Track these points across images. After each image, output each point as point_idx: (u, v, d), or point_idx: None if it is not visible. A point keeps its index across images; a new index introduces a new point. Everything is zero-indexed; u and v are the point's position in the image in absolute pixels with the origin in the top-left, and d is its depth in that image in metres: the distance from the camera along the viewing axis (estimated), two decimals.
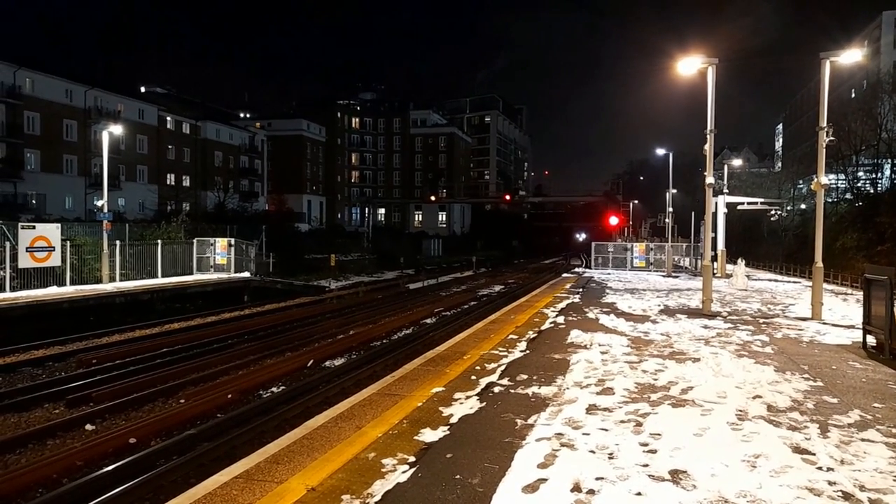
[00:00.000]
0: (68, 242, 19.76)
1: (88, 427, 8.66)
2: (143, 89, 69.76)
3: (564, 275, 30.09)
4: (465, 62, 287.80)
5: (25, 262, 18.03)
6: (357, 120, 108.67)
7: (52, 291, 17.85)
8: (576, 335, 10.80)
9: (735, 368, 8.19)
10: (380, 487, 4.39)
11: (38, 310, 15.86)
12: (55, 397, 9.94)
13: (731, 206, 30.97)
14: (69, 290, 18.44)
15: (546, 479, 4.48)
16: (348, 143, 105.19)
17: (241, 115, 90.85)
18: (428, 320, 18.77)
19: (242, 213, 55.20)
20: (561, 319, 12.97)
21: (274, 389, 10.76)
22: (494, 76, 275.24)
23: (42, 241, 18.53)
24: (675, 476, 4.55)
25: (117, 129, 23.85)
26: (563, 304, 15.84)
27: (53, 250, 18.85)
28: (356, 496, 4.24)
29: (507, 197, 74.47)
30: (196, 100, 79.47)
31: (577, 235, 71.24)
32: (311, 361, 12.61)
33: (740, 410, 6.23)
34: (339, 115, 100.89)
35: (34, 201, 47.12)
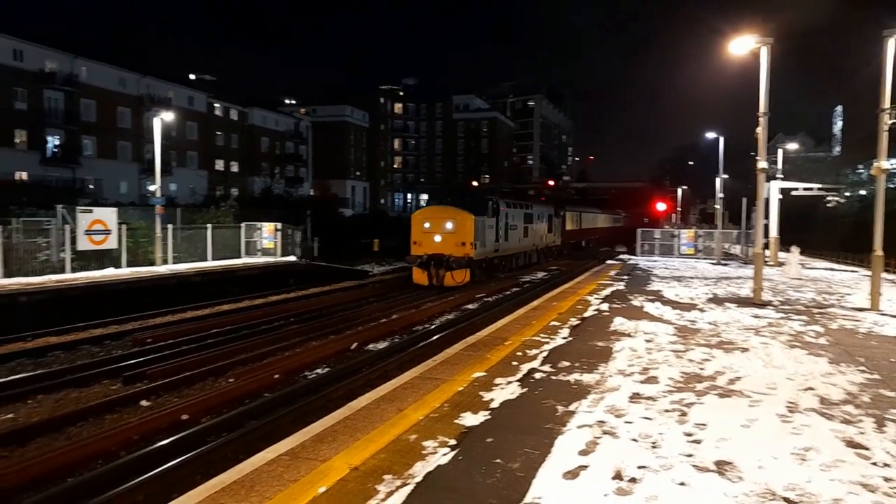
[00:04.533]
0: (124, 226, 20.52)
1: (143, 403, 9.04)
2: (192, 77, 71.37)
3: (608, 262, 29.65)
4: (508, 47, 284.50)
5: (84, 244, 18.83)
6: (400, 105, 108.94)
7: (109, 273, 18.59)
8: (619, 323, 10.65)
9: (786, 359, 7.95)
10: (421, 469, 4.45)
11: (95, 290, 16.57)
12: (112, 374, 10.39)
13: (785, 192, 29.89)
14: (125, 271, 19.18)
15: (587, 466, 4.46)
16: (391, 128, 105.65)
17: (286, 101, 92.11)
18: (469, 306, 18.79)
19: (288, 199, 56.28)
20: (604, 307, 12.81)
21: (318, 371, 10.99)
22: (538, 60, 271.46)
23: (99, 224, 19.31)
24: (721, 467, 4.47)
25: (169, 116, 24.50)
26: (606, 292, 15.63)
27: (110, 233, 19.61)
28: (398, 476, 4.31)
29: (552, 182, 73.60)
30: (241, 87, 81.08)
31: (622, 222, 67.37)
32: (355, 344, 12.81)
33: (791, 402, 6.05)
34: (381, 100, 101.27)
35: (91, 186, 49.05)
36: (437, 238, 22.20)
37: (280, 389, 9.66)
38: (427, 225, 22.55)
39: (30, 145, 47.13)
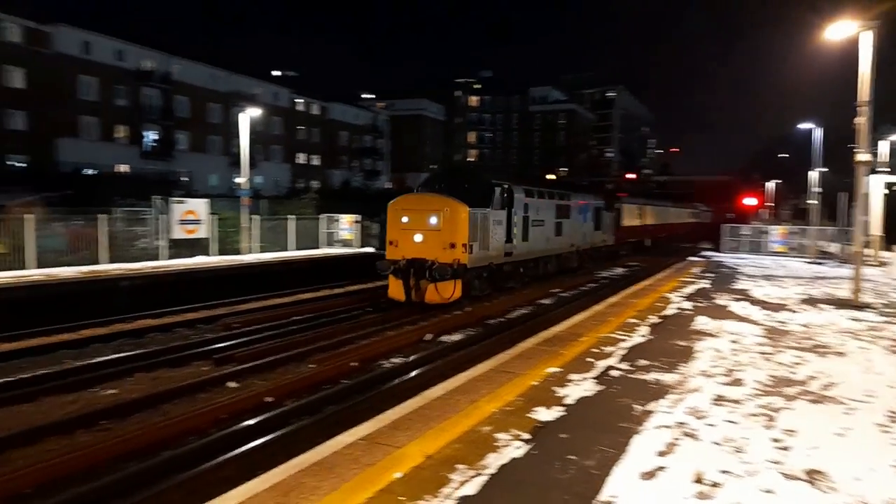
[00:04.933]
0: (215, 216, 21.69)
1: (231, 384, 9.53)
2: (275, 73, 73.85)
3: (691, 258, 28.51)
4: (588, 37, 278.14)
5: (177, 233, 20.05)
6: (476, 98, 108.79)
7: (200, 260, 19.69)
8: (703, 322, 10.26)
9: (887, 365, 7.41)
10: (494, 460, 4.47)
11: (188, 276, 17.60)
12: (203, 356, 11.02)
13: (889, 187, 27.74)
14: (214, 259, 20.26)
15: (665, 468, 4.35)
16: (466, 121, 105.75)
17: (364, 95, 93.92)
18: (544, 301, 18.60)
19: (366, 191, 57.66)
20: (687, 305, 12.35)
21: (394, 360, 11.22)
22: (620, 50, 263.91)
23: (191, 214, 20.50)
24: (812, 476, 4.24)
25: (255, 112, 25.61)
26: (689, 290, 15.07)
27: (201, 223, 20.77)
28: (471, 467, 4.35)
29: (634, 176, 71.43)
30: (320, 82, 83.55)
31: (705, 217, 64.17)
32: (430, 335, 12.98)
33: (891, 412, 5.65)
34: (457, 93, 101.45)
35: (184, 178, 51.96)
36: (418, 237, 15.87)
37: (357, 377, 9.94)
38: (405, 219, 16.08)
39: (130, 140, 50.51)
